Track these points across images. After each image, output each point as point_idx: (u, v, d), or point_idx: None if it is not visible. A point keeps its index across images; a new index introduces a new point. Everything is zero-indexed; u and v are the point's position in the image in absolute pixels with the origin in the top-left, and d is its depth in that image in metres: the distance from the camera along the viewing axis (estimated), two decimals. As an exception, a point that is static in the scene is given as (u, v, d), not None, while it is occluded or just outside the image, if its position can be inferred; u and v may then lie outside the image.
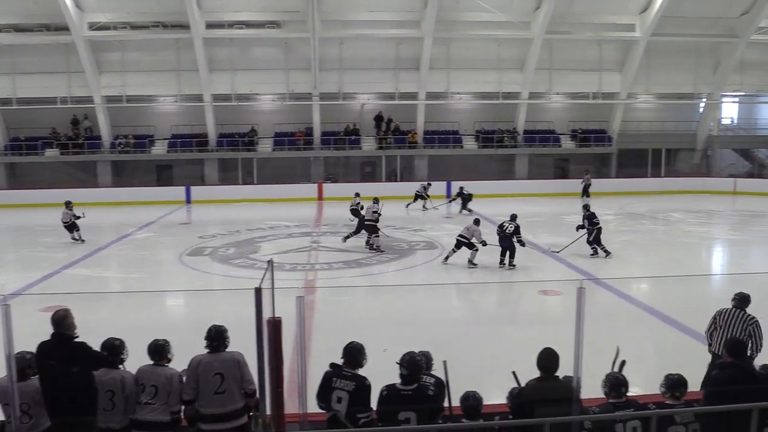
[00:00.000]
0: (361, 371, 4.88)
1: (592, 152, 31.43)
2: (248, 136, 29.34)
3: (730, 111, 35.35)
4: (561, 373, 4.82)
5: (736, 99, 34.30)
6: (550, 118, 31.69)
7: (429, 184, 25.15)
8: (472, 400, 4.68)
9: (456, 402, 4.86)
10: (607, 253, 15.17)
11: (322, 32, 27.37)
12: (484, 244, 14.21)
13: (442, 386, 5.11)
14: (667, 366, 5.28)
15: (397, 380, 4.80)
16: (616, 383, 4.79)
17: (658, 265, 15.30)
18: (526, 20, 28.25)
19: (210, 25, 27.34)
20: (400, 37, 28.18)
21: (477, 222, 14.78)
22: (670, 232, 16.59)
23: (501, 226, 14.41)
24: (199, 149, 29.27)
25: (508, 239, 14.17)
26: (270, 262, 5.14)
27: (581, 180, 28.10)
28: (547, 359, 4.82)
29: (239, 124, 29.72)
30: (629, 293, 11.93)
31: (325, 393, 4.79)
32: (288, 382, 5.27)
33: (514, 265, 14.19)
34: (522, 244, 14.32)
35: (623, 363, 5.13)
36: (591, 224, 15.26)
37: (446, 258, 14.60)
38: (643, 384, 6.08)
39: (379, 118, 30.58)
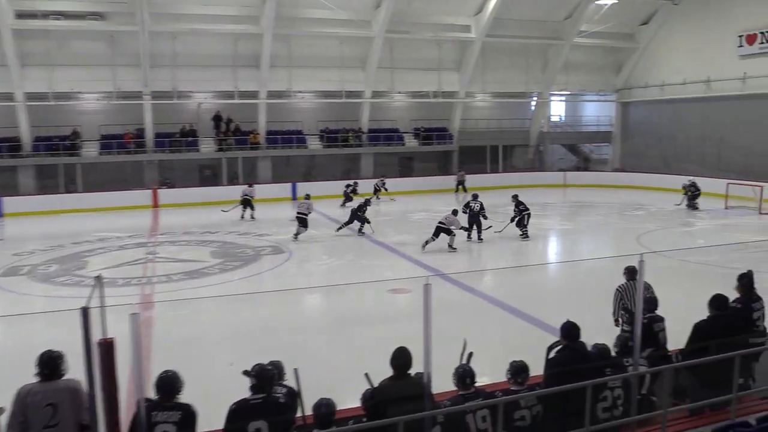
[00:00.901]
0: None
1: (434, 150, 32.73)
2: (70, 139, 27.10)
3: (558, 109, 38.46)
4: (414, 369, 4.92)
5: (563, 98, 37.37)
6: (393, 117, 32.32)
7: (383, 178, 26.77)
8: (324, 408, 4.67)
9: (309, 411, 4.85)
10: (527, 236, 17.45)
11: (152, 25, 25.91)
12: (485, 218, 17.03)
13: (294, 395, 5.08)
14: (512, 353, 5.61)
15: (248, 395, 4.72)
16: (464, 375, 5.01)
17: (500, 257, 16.23)
18: (367, 18, 28.49)
19: (21, 15, 24.86)
20: (238, 33, 27.36)
21: (455, 212, 16.59)
22: (511, 226, 17.71)
23: (467, 205, 17.36)
24: (11, 155, 26.56)
25: (476, 216, 17.08)
26: (98, 278, 4.75)
27: (456, 177, 30.01)
28: (399, 358, 4.92)
29: (59, 126, 27.17)
30: (474, 286, 12.57)
31: (141, 430, 4.42)
32: (125, 408, 4.95)
33: (481, 239, 17.01)
34: (485, 218, 17.25)
35: (471, 354, 5.35)
36: (518, 210, 17.63)
37: (424, 245, 15.99)
38: (490, 373, 6.39)
39: (217, 118, 29.63)
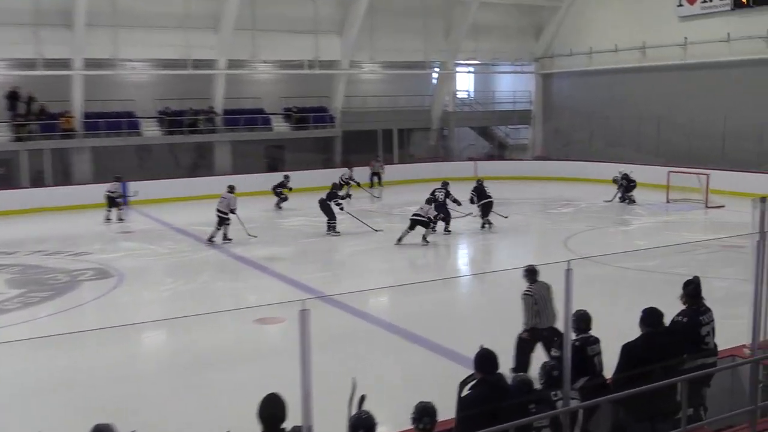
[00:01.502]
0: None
1: (311, 136, 32.88)
2: None
3: (465, 83, 39.62)
4: (291, 423, 4.87)
5: (472, 69, 38.51)
6: (257, 94, 32.30)
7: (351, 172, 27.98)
8: None
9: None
10: (490, 224, 20.28)
11: None
12: (458, 203, 20.15)
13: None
14: (416, 392, 5.67)
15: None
16: (356, 426, 4.94)
17: (399, 270, 16.47)
18: (217, -36, 28.58)
19: None
20: (39, -20, 26.37)
21: (429, 201, 18.96)
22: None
23: (432, 194, 19.59)
24: None
25: (443, 207, 19.41)
26: None
27: (369, 167, 30.34)
28: (268, 408, 4.84)
29: None
30: (367, 309, 12.74)
31: None
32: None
33: (449, 231, 19.54)
34: (458, 203, 20.36)
35: (363, 398, 5.34)
36: (480, 199, 20.23)
37: (399, 240, 18.22)
38: (392, 418, 6.39)
39: (13, 97, 28.20)
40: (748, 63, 27.69)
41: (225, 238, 19.28)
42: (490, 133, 38.55)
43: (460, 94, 39.00)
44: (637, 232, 20.89)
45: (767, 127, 26.70)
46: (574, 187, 29.59)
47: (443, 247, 18.97)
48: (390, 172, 31.63)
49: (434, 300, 13.45)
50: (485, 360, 5.61)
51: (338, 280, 15.54)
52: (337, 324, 11.58)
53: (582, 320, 6.99)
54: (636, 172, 25.75)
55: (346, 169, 29.08)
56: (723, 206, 23.53)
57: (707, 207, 23.87)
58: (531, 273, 8.98)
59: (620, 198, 25.09)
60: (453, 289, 14.82)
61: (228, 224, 19.25)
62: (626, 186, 25.18)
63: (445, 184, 20.51)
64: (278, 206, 25.70)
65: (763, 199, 7.23)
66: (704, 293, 6.95)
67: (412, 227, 18.34)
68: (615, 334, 6.73)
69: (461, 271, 17.27)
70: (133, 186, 25.78)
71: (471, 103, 39.13)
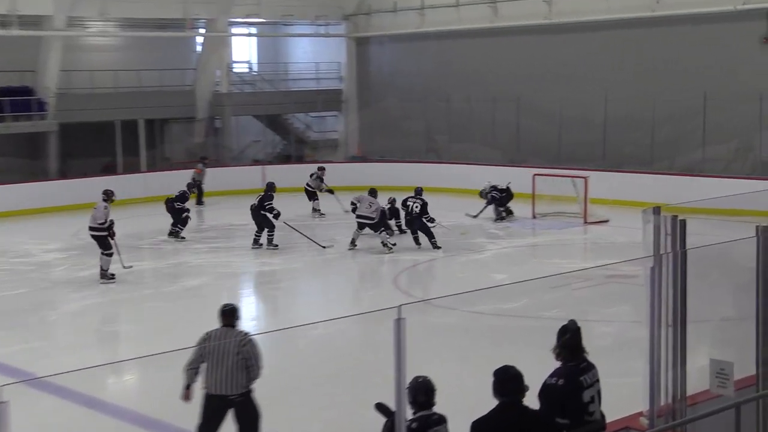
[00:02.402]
0: None
1: (9, 133, 31.63)
2: None
3: (245, 51, 39.66)
4: None
5: (253, 30, 38.59)
6: None
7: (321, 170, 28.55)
8: None
9: None
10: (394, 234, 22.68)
11: None
12: (431, 221, 21.88)
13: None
14: None
15: None
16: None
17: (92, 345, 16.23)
18: None
19: None
20: None
21: (373, 193, 22.30)
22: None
23: (405, 204, 22.30)
24: None
25: (417, 220, 21.79)
26: None
27: (195, 171, 30.07)
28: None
29: None
30: (87, 390, 12.22)
31: None
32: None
33: (439, 247, 21.69)
34: (431, 221, 21.90)
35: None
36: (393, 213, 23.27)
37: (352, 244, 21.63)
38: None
39: None
40: (635, 23, 28.85)
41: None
42: (284, 124, 38.80)
43: (239, 68, 38.93)
44: (494, 262, 21.26)
45: (661, 112, 27.93)
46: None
47: (225, 291, 18.76)
48: (125, 184, 30.05)
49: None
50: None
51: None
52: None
53: (421, 391, 6.97)
54: (491, 176, 26.39)
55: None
56: (607, 221, 24.38)
57: (586, 222, 24.57)
58: (224, 315, 9.39)
59: (496, 215, 25.67)
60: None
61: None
62: (499, 198, 25.63)
63: (419, 191, 22.54)
64: None
65: (656, 210, 7.39)
66: (585, 342, 7.03)
67: (360, 227, 21.73)
68: (467, 406, 6.79)
69: (249, 327, 16.86)
70: None
71: (255, 81, 39.24)
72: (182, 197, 24.41)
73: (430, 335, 12.60)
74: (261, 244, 22.66)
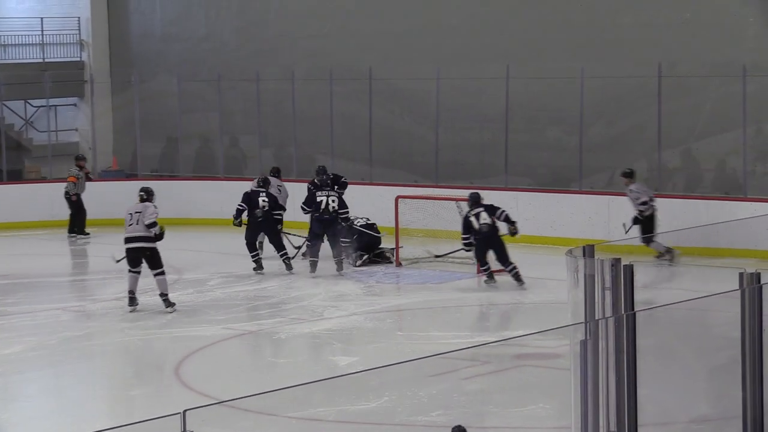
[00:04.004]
0: None
1: None
2: None
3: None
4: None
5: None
6: None
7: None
8: None
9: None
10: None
11: None
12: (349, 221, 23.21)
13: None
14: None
15: None
16: None
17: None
18: None
19: None
20: None
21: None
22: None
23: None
24: None
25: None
26: None
27: (69, 180, 28.00)
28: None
29: None
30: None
31: None
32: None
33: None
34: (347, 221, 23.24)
35: None
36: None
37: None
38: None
39: None
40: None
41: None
42: None
43: None
44: (337, 337, 18.93)
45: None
46: (178, 238, 24.42)
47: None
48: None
49: None
50: None
51: None
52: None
53: None
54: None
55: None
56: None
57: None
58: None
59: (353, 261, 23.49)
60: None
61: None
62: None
63: (339, 182, 23.37)
64: None
65: (588, 249, 7.30)
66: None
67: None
68: None
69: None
70: None
71: None
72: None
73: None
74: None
